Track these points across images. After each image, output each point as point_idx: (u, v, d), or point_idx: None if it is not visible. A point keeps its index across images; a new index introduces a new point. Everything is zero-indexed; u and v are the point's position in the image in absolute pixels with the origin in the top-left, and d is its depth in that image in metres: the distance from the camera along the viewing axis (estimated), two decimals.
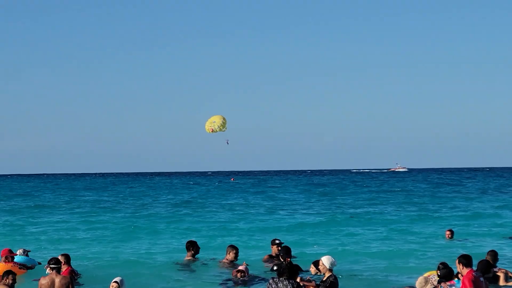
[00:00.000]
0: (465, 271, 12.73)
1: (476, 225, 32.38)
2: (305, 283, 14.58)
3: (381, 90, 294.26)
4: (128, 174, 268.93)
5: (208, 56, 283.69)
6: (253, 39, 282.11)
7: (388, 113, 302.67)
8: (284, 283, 13.32)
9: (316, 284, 14.53)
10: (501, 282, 14.64)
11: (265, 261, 18.36)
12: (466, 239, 26.01)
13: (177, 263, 19.33)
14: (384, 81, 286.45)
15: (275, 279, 13.44)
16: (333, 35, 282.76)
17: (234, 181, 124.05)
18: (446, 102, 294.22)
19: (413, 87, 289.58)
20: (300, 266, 16.65)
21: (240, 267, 16.78)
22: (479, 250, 21.78)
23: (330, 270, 14.27)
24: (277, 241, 18.17)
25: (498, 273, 14.74)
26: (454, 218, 36.43)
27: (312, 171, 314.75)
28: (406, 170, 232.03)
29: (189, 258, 19.12)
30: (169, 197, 66.73)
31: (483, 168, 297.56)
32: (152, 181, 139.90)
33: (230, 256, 18.36)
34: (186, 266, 18.75)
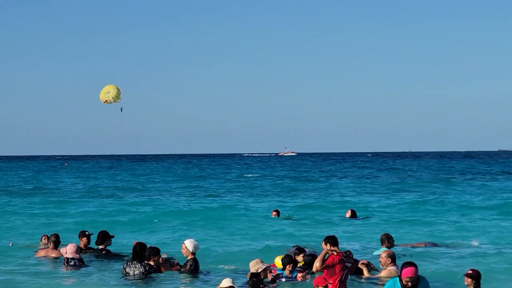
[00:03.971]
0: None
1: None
2: (169, 263, 14.93)
3: (275, 76, 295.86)
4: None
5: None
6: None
7: (275, 96, 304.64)
8: (137, 266, 14.24)
9: (179, 265, 14.87)
10: (365, 274, 14.69)
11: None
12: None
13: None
14: (274, 64, 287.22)
15: (128, 263, 14.34)
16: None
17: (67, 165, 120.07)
18: (333, 86, 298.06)
19: (304, 73, 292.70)
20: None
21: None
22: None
23: (193, 253, 14.59)
24: (86, 233, 17.99)
25: (360, 266, 14.74)
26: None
27: (197, 155, 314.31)
28: (295, 154, 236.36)
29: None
30: None
31: (382, 152, 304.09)
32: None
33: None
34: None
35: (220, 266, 16.37)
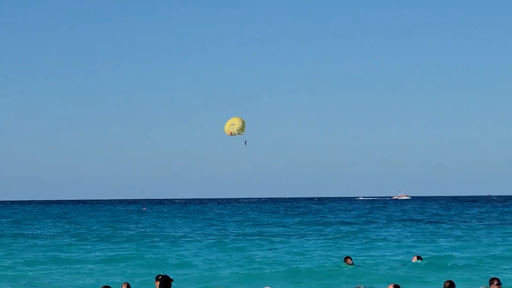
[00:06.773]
0: None
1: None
2: None
3: (387, 116, 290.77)
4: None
5: None
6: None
7: (392, 138, 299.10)
8: None
9: None
10: None
11: None
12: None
13: None
14: (388, 107, 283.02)
15: None
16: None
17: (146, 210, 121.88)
18: (453, 127, 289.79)
19: (419, 115, 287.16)
20: None
21: None
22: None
23: None
24: (159, 277, 17.29)
25: None
26: None
27: (317, 198, 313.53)
28: (409, 198, 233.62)
29: None
30: None
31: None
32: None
33: None
34: None
35: None
